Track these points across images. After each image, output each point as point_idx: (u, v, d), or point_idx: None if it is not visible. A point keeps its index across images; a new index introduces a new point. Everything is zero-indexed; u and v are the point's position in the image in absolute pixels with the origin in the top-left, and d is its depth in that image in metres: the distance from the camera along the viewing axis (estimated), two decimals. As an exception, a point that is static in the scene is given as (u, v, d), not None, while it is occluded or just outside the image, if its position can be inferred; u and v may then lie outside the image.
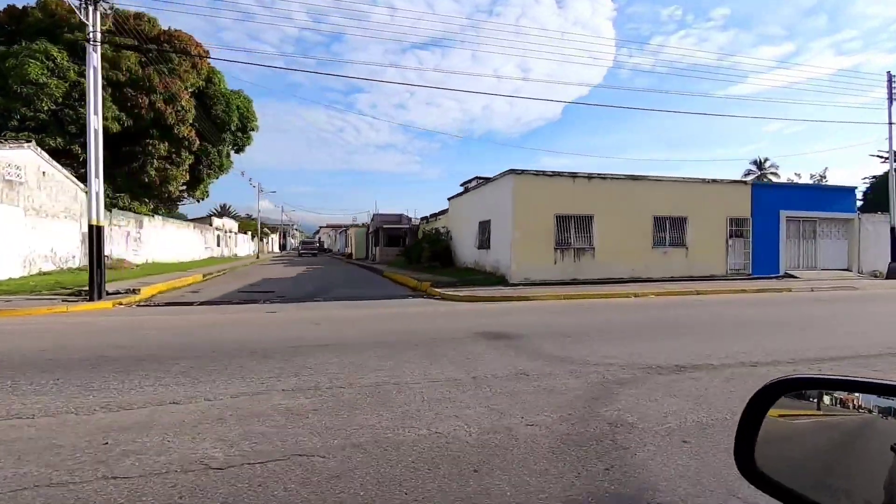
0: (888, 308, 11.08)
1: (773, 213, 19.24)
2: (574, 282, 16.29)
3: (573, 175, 16.87)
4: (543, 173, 16.55)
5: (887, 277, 18.99)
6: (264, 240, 70.18)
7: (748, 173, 56.24)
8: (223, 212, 74.22)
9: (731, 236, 18.68)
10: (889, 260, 19.57)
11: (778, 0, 77.34)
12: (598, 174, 17.16)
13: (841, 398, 0.85)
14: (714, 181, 18.74)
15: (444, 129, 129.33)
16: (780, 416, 0.81)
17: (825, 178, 53.14)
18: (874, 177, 42.48)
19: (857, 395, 0.83)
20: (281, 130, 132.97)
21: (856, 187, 21.13)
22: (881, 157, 41.41)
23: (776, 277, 18.54)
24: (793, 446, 0.88)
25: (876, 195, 37.46)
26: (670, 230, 17.90)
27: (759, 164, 57.20)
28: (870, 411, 0.79)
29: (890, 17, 56.52)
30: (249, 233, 63.73)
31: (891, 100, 19.77)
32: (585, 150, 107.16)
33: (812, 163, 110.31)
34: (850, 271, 20.18)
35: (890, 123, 19.59)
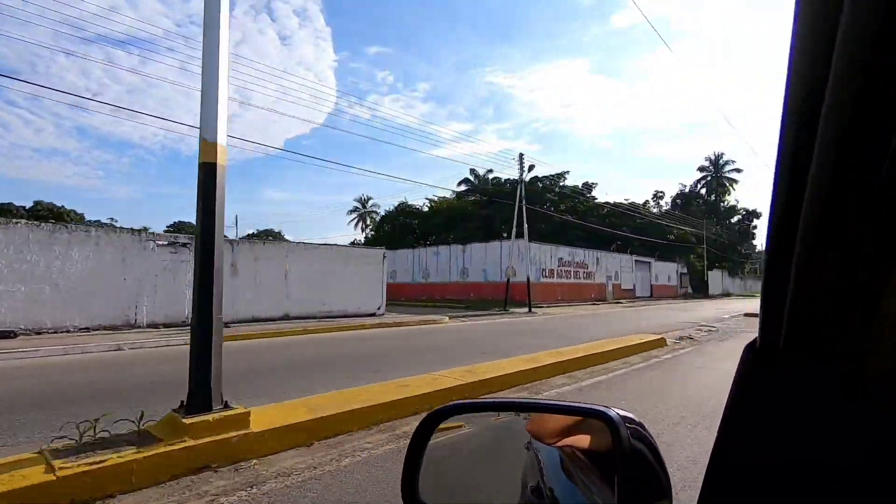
0: None
1: None
2: None
3: None
4: None
5: None
6: None
7: (354, 209, 64.15)
8: None
9: None
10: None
11: (463, 87, 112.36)
12: None
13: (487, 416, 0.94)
14: None
15: (142, 143, 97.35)
16: (439, 443, 0.83)
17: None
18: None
19: (499, 413, 0.93)
20: None
21: None
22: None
23: None
24: (451, 470, 0.90)
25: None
26: None
27: (363, 203, 64.69)
28: (507, 424, 0.89)
29: (531, 118, 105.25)
30: None
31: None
32: (311, 187, 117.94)
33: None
34: None
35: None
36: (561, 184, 50.42)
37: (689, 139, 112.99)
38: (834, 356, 0.37)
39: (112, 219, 57.51)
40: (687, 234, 52.20)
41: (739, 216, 65.70)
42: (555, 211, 49.04)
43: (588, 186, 51.46)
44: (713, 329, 13.24)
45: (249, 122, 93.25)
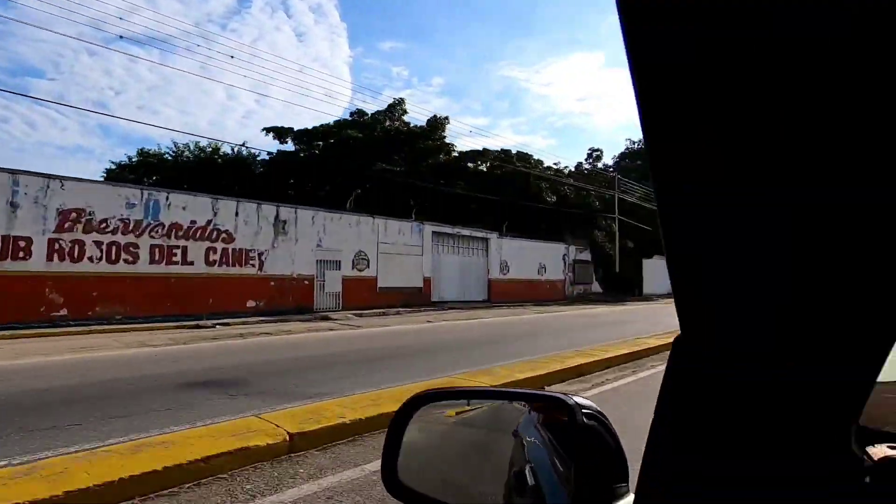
0: None
1: None
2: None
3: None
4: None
5: None
6: None
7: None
8: None
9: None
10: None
11: (477, 81, 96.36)
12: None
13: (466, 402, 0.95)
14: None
15: (162, 140, 60.25)
16: (420, 428, 0.85)
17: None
18: None
19: (481, 400, 0.98)
20: None
21: None
22: None
23: None
24: (431, 454, 0.92)
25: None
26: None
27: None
28: (492, 409, 0.94)
29: (546, 112, 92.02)
30: None
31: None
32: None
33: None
34: None
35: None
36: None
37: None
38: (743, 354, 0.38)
39: None
40: (588, 198, 32.33)
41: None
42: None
43: (439, 122, 32.16)
44: None
45: (267, 119, 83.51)
